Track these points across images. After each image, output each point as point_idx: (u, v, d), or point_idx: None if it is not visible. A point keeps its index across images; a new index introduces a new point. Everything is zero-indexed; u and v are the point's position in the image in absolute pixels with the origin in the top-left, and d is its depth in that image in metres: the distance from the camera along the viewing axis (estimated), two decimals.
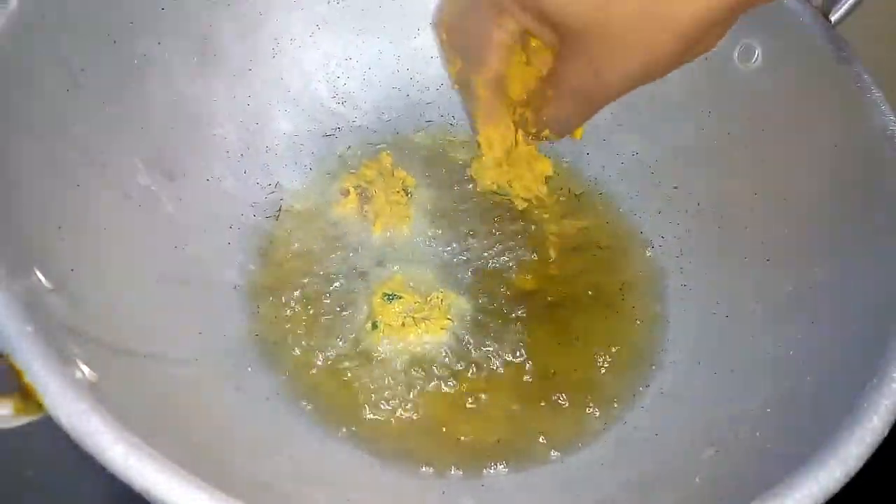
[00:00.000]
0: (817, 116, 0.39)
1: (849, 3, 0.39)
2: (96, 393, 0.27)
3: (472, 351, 0.40)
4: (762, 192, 0.41)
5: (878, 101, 0.36)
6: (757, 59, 0.42)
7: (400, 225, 0.44)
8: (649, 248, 0.45)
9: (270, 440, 0.34)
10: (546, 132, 0.35)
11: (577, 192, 0.47)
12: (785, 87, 0.41)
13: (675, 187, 0.46)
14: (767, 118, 0.41)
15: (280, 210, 0.45)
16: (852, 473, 0.25)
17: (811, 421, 0.29)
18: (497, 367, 0.39)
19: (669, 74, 0.46)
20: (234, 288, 0.41)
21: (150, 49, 0.41)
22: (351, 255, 0.43)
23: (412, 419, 0.37)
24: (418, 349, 0.39)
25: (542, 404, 0.38)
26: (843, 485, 0.25)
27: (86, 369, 0.27)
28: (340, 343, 0.39)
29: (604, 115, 0.48)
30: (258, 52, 0.47)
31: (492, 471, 0.36)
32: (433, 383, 0.38)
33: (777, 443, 0.30)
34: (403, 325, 0.40)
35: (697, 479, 0.31)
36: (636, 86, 0.31)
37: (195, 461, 0.29)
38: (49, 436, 0.24)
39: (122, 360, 0.32)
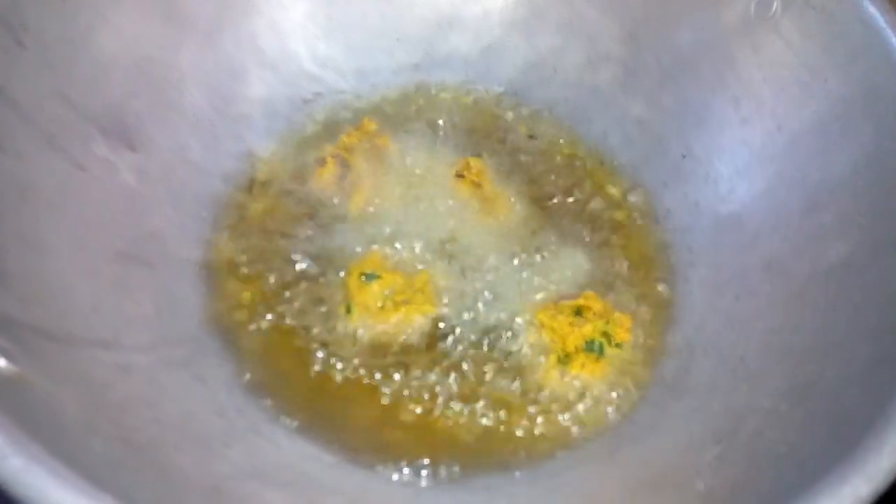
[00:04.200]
0: (842, 69, 0.35)
1: None
2: (14, 388, 0.24)
3: (458, 338, 0.36)
4: (779, 163, 0.37)
5: None
6: (776, 11, 0.38)
7: (382, 197, 0.41)
8: (654, 223, 0.41)
9: (228, 435, 0.31)
10: None
11: (575, 162, 0.43)
12: (806, 39, 0.36)
13: (684, 156, 0.42)
14: (786, 75, 0.37)
15: (252, 181, 0.41)
16: (881, 490, 0.21)
17: (832, 423, 0.26)
18: (485, 356, 0.36)
19: (677, 30, 0.43)
20: (199, 267, 0.38)
21: (104, 5, 0.38)
22: (327, 230, 0.40)
23: (386, 413, 0.34)
24: (397, 335, 0.36)
25: (533, 396, 0.35)
26: None
27: (2, 362, 0.24)
28: (312, 328, 0.36)
29: (605, 77, 0.46)
30: (230, 11, 0.43)
31: (474, 469, 0.32)
32: (413, 373, 0.35)
33: (791, 447, 0.26)
34: (382, 308, 0.36)
35: (700, 485, 0.27)
36: None
37: (135, 464, 0.26)
38: None
39: (61, 349, 0.29)
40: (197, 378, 0.33)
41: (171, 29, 0.41)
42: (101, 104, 0.37)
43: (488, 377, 0.35)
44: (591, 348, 0.35)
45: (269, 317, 0.36)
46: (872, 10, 0.34)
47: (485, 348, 0.36)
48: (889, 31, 0.33)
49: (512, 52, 0.47)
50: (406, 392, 0.35)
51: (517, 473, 0.33)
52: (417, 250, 0.39)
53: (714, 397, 0.32)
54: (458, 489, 0.32)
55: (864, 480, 0.21)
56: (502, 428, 0.34)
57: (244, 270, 0.38)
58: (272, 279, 0.38)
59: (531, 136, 0.45)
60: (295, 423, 0.33)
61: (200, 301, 0.36)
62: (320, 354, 0.35)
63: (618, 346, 0.36)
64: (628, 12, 0.44)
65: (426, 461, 0.32)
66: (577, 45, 0.46)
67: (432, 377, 0.35)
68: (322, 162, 0.42)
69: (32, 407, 0.24)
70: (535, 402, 0.35)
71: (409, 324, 0.36)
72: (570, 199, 0.42)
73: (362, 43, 0.47)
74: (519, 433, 0.34)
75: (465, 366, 0.36)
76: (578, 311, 0.36)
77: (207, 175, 0.41)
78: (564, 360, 0.35)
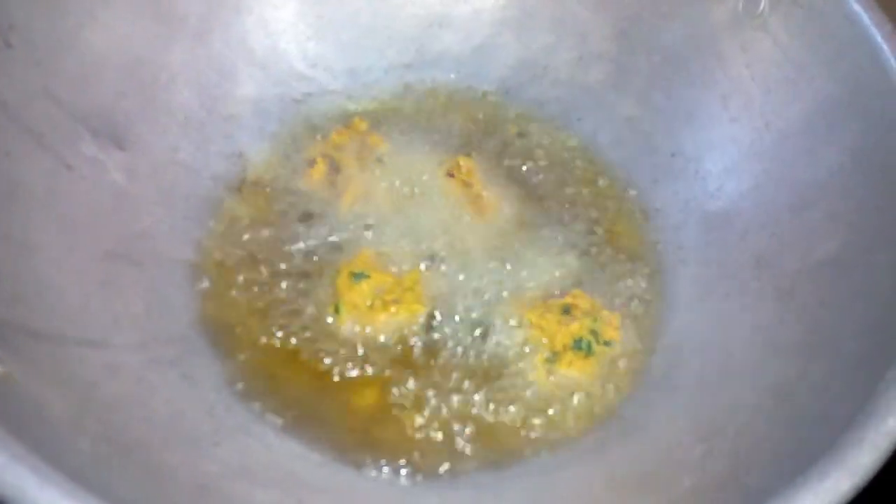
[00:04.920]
0: (828, 67, 0.35)
1: None
2: (1, 388, 0.24)
3: (447, 336, 0.36)
4: (767, 160, 0.38)
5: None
6: (764, 9, 0.38)
7: (372, 197, 0.41)
8: (644, 221, 0.41)
9: (217, 435, 0.31)
10: None
11: (565, 160, 0.44)
12: (793, 37, 0.37)
13: (673, 154, 0.42)
14: (774, 73, 0.37)
15: (242, 182, 0.41)
16: (861, 485, 0.21)
17: (815, 419, 0.26)
18: (475, 357, 0.36)
19: (668, 29, 0.43)
20: (188, 266, 0.37)
21: (94, 5, 0.38)
22: (317, 230, 0.39)
23: (374, 411, 0.34)
24: (387, 335, 0.36)
25: (521, 394, 0.35)
26: (849, 499, 0.21)
27: None
28: (300, 328, 0.36)
29: (596, 76, 0.46)
30: (220, 10, 0.43)
31: (462, 468, 0.32)
32: (402, 372, 0.35)
33: (776, 443, 0.26)
34: (371, 307, 0.36)
35: (687, 482, 0.27)
36: None
37: (122, 463, 0.26)
38: None
39: (49, 348, 0.29)
40: (186, 377, 0.33)
41: (161, 28, 0.41)
42: (90, 104, 0.37)
43: (477, 376, 0.35)
44: (580, 346, 0.35)
45: (258, 316, 0.36)
46: (858, 9, 0.34)
47: (473, 347, 0.36)
48: (874, 30, 0.33)
49: (503, 50, 0.47)
50: (394, 391, 0.35)
51: (505, 472, 0.33)
52: (407, 250, 0.39)
53: (702, 394, 0.32)
54: (446, 487, 0.32)
55: (846, 475, 0.21)
56: (490, 426, 0.34)
57: (234, 270, 0.38)
58: (261, 278, 0.38)
59: (521, 134, 0.45)
60: (283, 422, 0.33)
61: (190, 301, 0.36)
62: (309, 354, 0.35)
63: (606, 343, 0.36)
64: (619, 11, 0.44)
65: (414, 459, 0.32)
66: (567, 44, 0.46)
67: (421, 376, 0.35)
68: (312, 161, 0.42)
69: (18, 406, 0.24)
70: (523, 400, 0.35)
71: (399, 323, 0.36)
72: (560, 198, 0.42)
73: (353, 42, 0.47)
74: (507, 431, 0.34)
75: (453, 364, 0.36)
76: (567, 310, 0.36)
77: (197, 175, 0.41)
78: (553, 358, 0.35)
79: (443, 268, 0.38)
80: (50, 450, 0.22)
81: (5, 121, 0.33)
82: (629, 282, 0.39)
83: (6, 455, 0.19)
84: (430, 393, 0.35)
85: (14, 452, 0.20)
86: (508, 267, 0.38)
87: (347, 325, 0.36)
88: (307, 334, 0.36)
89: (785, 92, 0.37)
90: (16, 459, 0.19)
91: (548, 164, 0.44)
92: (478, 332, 0.36)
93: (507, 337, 0.36)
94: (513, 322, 0.36)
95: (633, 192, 0.42)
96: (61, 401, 0.26)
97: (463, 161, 0.42)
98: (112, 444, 0.26)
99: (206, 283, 0.37)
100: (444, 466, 0.32)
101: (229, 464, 0.30)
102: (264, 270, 0.38)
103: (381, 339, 0.36)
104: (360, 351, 0.35)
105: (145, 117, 0.40)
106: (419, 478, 0.32)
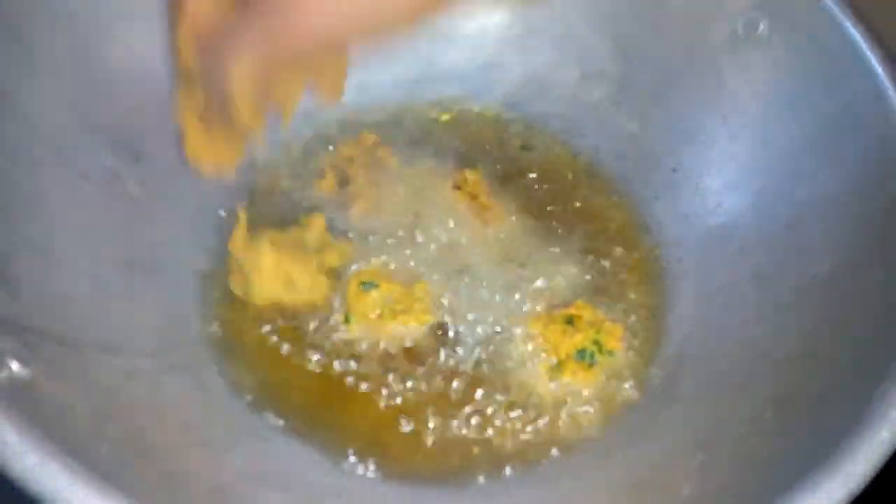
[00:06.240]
0: (825, 90, 0.36)
1: None
2: (28, 391, 0.25)
3: (455, 347, 0.37)
4: (766, 177, 0.39)
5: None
6: (763, 30, 0.39)
7: (380, 208, 0.42)
8: (645, 234, 0.42)
9: (230, 440, 0.32)
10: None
11: (569, 175, 0.45)
12: (792, 58, 0.38)
13: (674, 170, 0.43)
14: (772, 93, 0.39)
15: (253, 192, 0.42)
16: (855, 493, 0.22)
17: (812, 430, 0.27)
18: (480, 366, 0.37)
19: (668, 48, 0.44)
20: (201, 275, 0.38)
21: (112, 21, 0.39)
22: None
23: (384, 419, 0.35)
24: (395, 344, 0.37)
25: (525, 403, 0.36)
26: None
27: (16, 365, 0.25)
28: (311, 336, 0.37)
29: (598, 93, 0.47)
30: None
31: (469, 474, 0.33)
32: (410, 381, 0.36)
33: (773, 452, 0.27)
34: (380, 316, 0.37)
35: (686, 490, 0.28)
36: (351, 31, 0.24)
37: (140, 466, 0.27)
38: None
39: (70, 354, 0.30)
40: (199, 383, 0.34)
41: None
42: (107, 116, 0.38)
43: (482, 384, 0.36)
44: (583, 357, 0.36)
45: (269, 325, 0.37)
46: (854, 33, 0.35)
47: (480, 356, 0.37)
48: (870, 54, 0.34)
49: (507, 68, 0.48)
50: (403, 399, 0.35)
51: (509, 479, 0.34)
52: (415, 260, 0.40)
53: (702, 405, 0.33)
54: (450, 493, 0.33)
55: (840, 485, 0.23)
56: (494, 434, 0.35)
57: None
58: None
59: (525, 148, 0.46)
60: (293, 429, 0.34)
61: (203, 309, 0.37)
62: (319, 362, 0.36)
63: (609, 354, 0.37)
64: (620, 30, 0.45)
65: (421, 466, 0.33)
66: (570, 62, 0.47)
67: (429, 384, 0.36)
68: (322, 173, 0.43)
69: (44, 410, 0.24)
70: (526, 408, 0.35)
71: (407, 332, 0.37)
72: (564, 211, 0.43)
73: (362, 57, 0.47)
74: (510, 439, 0.35)
75: (459, 373, 0.36)
76: (570, 320, 0.37)
77: (209, 185, 0.41)
78: (556, 368, 0.36)
79: (450, 278, 0.39)
80: (75, 451, 0.23)
81: (26, 132, 0.34)
82: (631, 294, 0.40)
83: (40, 455, 0.20)
84: (437, 401, 0.36)
85: (48, 452, 0.21)
86: (514, 278, 0.39)
87: (357, 334, 0.37)
88: (317, 343, 0.37)
89: (783, 112, 0.38)
90: (50, 459, 0.20)
91: (551, 178, 0.45)
92: (483, 341, 0.37)
93: (512, 346, 0.37)
94: (517, 332, 0.37)
95: (634, 207, 0.43)
96: (83, 405, 0.27)
97: (469, 174, 0.43)
98: (130, 448, 0.27)
99: (218, 292, 0.38)
100: (451, 473, 0.33)
101: (243, 469, 0.30)
102: None
103: (390, 348, 0.37)
104: (370, 359, 0.36)
105: (160, 129, 0.40)
106: (426, 484, 0.33)
